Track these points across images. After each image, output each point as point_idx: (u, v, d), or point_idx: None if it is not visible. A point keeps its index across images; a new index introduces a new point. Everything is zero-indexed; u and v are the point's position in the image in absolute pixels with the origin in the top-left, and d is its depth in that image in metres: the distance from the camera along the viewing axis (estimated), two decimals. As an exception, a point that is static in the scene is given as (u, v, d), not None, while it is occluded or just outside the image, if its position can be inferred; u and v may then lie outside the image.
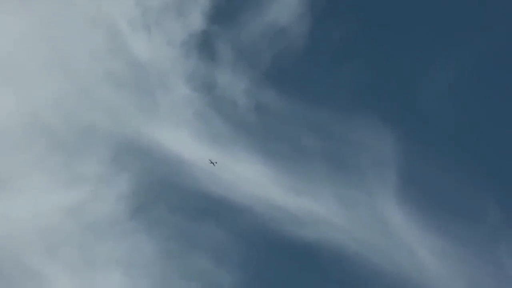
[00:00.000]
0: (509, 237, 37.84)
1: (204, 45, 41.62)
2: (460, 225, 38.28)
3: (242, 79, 41.14)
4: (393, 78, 41.93)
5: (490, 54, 41.55)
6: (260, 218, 38.57)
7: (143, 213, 38.63)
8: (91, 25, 41.37)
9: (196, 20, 42.08)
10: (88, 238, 37.52)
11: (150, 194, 39.06)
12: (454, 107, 41.02)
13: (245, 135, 40.38)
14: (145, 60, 41.03)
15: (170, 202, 38.97)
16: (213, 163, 38.29)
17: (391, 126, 40.54)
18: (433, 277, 37.34)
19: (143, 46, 41.25)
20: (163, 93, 40.81)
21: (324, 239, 38.19)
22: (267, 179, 39.29)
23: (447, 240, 37.96)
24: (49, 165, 38.32)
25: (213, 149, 39.82)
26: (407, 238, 38.02)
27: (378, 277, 37.55)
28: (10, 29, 39.94)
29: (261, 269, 38.17)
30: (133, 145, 39.65)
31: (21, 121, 38.60)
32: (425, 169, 39.67)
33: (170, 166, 39.40)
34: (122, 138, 39.67)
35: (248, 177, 39.29)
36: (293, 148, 40.19)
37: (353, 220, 38.64)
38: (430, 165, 39.74)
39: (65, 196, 37.82)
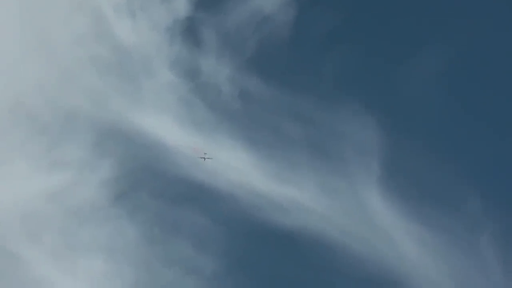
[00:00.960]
0: (489, 227, 38.19)
1: (189, 31, 41.56)
2: (441, 214, 38.54)
3: (226, 66, 41.15)
4: (378, 66, 42.06)
5: (475, 43, 41.73)
6: (242, 205, 38.65)
7: (126, 199, 38.64)
8: (76, 9, 41.18)
9: (181, 6, 42.00)
10: (70, 223, 37.52)
11: (133, 180, 39.06)
12: (439, 97, 41.20)
13: (229, 122, 40.42)
14: (129, 45, 40.95)
15: (153, 188, 39.00)
16: (205, 158, 38.49)
17: (375, 115, 40.66)
18: (413, 265, 37.62)
19: (128, 31, 41.15)
20: (147, 78, 40.77)
21: (306, 227, 38.36)
22: (250, 166, 39.38)
23: (428, 229, 38.21)
24: (31, 150, 38.25)
25: (197, 135, 39.87)
26: (388, 226, 38.26)
27: (360, 264, 37.80)
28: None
29: (243, 256, 38.33)
30: (116, 131, 39.59)
31: (3, 106, 38.48)
32: (407, 159, 39.85)
33: (153, 152, 39.41)
34: (105, 124, 39.60)
35: (231, 164, 39.38)
36: (277, 136, 40.26)
37: (335, 208, 38.80)
38: (413, 154, 39.92)
39: (47, 181, 37.76)
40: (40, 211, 37.31)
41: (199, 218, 38.78)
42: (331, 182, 39.37)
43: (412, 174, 39.53)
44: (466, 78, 41.54)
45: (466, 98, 41.25)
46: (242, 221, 38.87)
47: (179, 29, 41.43)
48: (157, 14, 41.63)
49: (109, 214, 38.14)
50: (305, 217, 38.54)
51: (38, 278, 36.03)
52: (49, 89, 39.48)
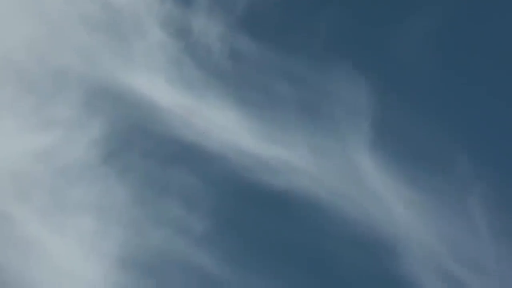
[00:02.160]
0: (478, 188, 38.14)
1: (180, -10, 41.24)
2: (431, 176, 38.32)
3: (217, 24, 40.71)
4: (370, 26, 41.57)
5: (467, 4, 41.47)
6: (232, 165, 38.45)
7: (115, 158, 38.38)
8: (65, -33, 40.87)
9: (172, -36, 41.63)
10: (59, 182, 37.33)
11: (123, 139, 38.78)
12: (430, 59, 40.75)
13: (219, 82, 40.07)
14: (119, 4, 40.45)
15: (143, 148, 38.76)
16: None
17: (367, 76, 40.24)
18: (403, 226, 37.59)
19: (118, -11, 40.84)
20: (138, 38, 40.29)
21: (296, 188, 38.21)
22: (240, 127, 39.19)
23: (417, 190, 38.08)
24: (20, 108, 38.00)
25: (187, 95, 39.64)
26: (378, 187, 38.14)
27: (350, 225, 37.65)
28: (-18, -31, 39.38)
29: (233, 216, 38.18)
30: (106, 90, 39.25)
31: (-9, 64, 38.30)
32: (398, 120, 39.60)
33: (143, 111, 39.11)
34: (95, 83, 39.24)
35: (221, 124, 39.18)
36: (267, 96, 40.00)
37: (326, 169, 38.64)
38: (404, 115, 39.65)
39: (36, 140, 37.53)
40: (29, 170, 37.07)
41: (189, 178, 38.55)
42: (322, 143, 39.14)
43: (403, 135, 39.28)
44: (457, 40, 41.19)
45: (458, 61, 40.95)
46: (233, 182, 38.64)
47: (170, -13, 41.13)
48: (148, -28, 41.32)
49: (98, 173, 37.89)
50: (295, 178, 38.30)
51: (26, 236, 35.88)
52: (38, 47, 39.08)
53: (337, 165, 39.31)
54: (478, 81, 40.90)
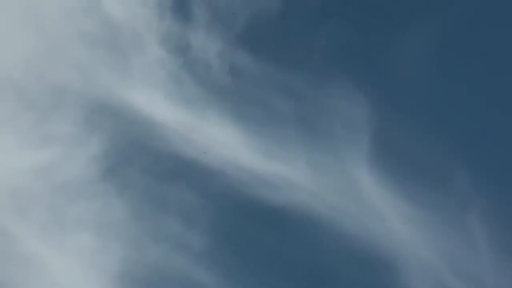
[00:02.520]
0: (478, 204, 38.14)
1: (178, 6, 41.26)
2: (429, 191, 38.48)
3: (216, 41, 40.91)
4: (369, 42, 41.80)
5: (467, 18, 41.50)
6: (231, 181, 38.56)
7: (114, 175, 38.50)
8: (65, -17, 41.03)
9: (171, -20, 41.78)
10: (58, 198, 37.41)
11: (122, 156, 38.92)
12: (429, 74, 40.99)
13: (218, 98, 40.23)
14: (118, 21, 40.67)
15: (142, 164, 38.88)
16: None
17: (365, 92, 40.48)
18: (402, 242, 37.60)
19: (117, 5, 40.85)
20: (137, 54, 40.52)
21: (295, 204, 38.29)
22: (239, 143, 39.25)
23: (417, 206, 38.15)
24: (19, 124, 38.08)
25: (186, 111, 39.72)
26: (377, 203, 38.19)
27: (348, 241, 37.78)
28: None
29: (231, 232, 38.28)
30: (105, 106, 39.40)
31: (-9, 81, 38.32)
32: (397, 135, 39.73)
33: (142, 127, 39.25)
34: (94, 99, 39.41)
35: (220, 140, 39.24)
36: (266, 112, 40.10)
37: (324, 185, 38.70)
38: (402, 131, 39.79)
39: (36, 156, 37.60)
40: (28, 186, 37.15)
41: (188, 195, 38.69)
42: (320, 159, 39.25)
43: (402, 151, 39.40)
44: (457, 55, 41.30)
45: (457, 76, 41.05)
46: (231, 198, 38.77)
47: (169, 4, 41.13)
48: (147, -11, 41.44)
49: (97, 189, 37.99)
50: (294, 194, 38.41)
51: (26, 252, 35.95)
52: (37, 64, 39.21)
53: (335, 180, 39.37)
54: (478, 97, 40.91)
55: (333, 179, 38.94)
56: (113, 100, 39.48)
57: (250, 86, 40.60)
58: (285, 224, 38.27)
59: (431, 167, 39.23)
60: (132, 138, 39.15)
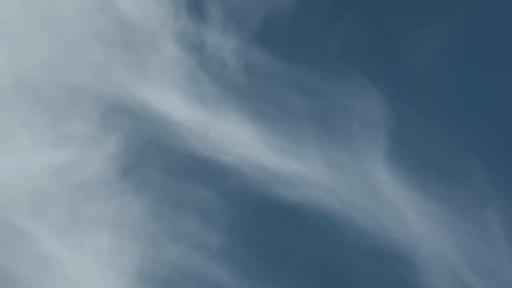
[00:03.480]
0: (495, 199, 38.03)
1: (194, 5, 41.19)
2: (447, 187, 38.31)
3: (231, 39, 40.84)
4: (385, 38, 41.59)
5: (482, 13, 41.35)
6: (248, 179, 38.49)
7: (131, 174, 38.48)
8: (80, -18, 41.06)
9: (186, -21, 41.76)
10: (75, 198, 37.43)
11: (139, 155, 38.91)
12: (445, 69, 40.79)
13: (234, 96, 40.16)
14: (134, 19, 40.66)
15: (159, 163, 38.87)
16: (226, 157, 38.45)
17: (381, 88, 40.30)
18: (419, 239, 37.49)
19: (132, 4, 40.83)
20: (152, 53, 40.46)
21: (311, 201, 38.20)
22: (255, 140, 39.21)
23: (434, 202, 37.99)
24: (36, 125, 38.12)
25: (202, 109, 39.71)
26: (394, 199, 38.08)
27: (365, 237, 37.66)
28: (-3, -13, 39.60)
29: (249, 230, 38.23)
30: (121, 105, 39.37)
31: (7, 81, 38.27)
32: (413, 131, 39.57)
33: (158, 126, 39.23)
34: (110, 98, 39.38)
35: (237, 138, 39.22)
36: (282, 109, 40.02)
37: (341, 181, 38.60)
38: (419, 127, 39.62)
39: (52, 156, 37.64)
40: (45, 186, 37.21)
41: (205, 193, 38.64)
42: (337, 156, 39.14)
43: (418, 147, 39.27)
44: (472, 50, 41.19)
45: (472, 71, 40.88)
46: (248, 195, 38.71)
47: (184, 3, 41.11)
48: (162, -13, 41.43)
49: (114, 189, 38.00)
50: (311, 191, 38.32)
51: (43, 253, 36.03)
52: (53, 63, 39.24)
53: (352, 177, 39.30)
54: (493, 92, 40.78)
55: (349, 175, 38.88)
56: (129, 99, 39.52)
57: (266, 83, 40.57)
58: (301, 221, 38.24)
59: (448, 163, 39.11)
60: (148, 137, 39.18)
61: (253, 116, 41.33)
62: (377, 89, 41.65)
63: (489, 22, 42.16)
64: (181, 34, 43.21)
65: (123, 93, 40.56)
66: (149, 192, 39.44)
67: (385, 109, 41.27)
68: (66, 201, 37.72)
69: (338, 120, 41.17)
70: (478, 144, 40.29)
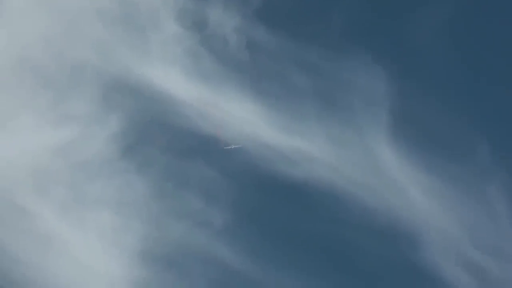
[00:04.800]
0: (498, 176, 37.98)
1: (195, -18, 41.02)
2: (450, 163, 38.33)
3: (233, 16, 40.66)
4: (386, 15, 41.47)
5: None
6: (251, 157, 38.49)
7: (134, 152, 38.47)
8: (80, -39, 40.78)
9: (187, -44, 41.47)
10: (78, 177, 37.41)
11: (141, 133, 38.85)
12: (447, 45, 40.67)
13: (236, 73, 40.05)
14: (135, -3, 40.49)
15: (161, 141, 38.81)
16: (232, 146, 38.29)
17: (384, 64, 40.24)
18: (423, 215, 37.53)
19: (133, -18, 40.65)
20: (154, 30, 40.31)
21: (315, 178, 38.19)
22: (258, 118, 39.10)
23: (437, 179, 38.00)
24: (38, 104, 38.02)
25: (204, 87, 39.55)
26: (398, 176, 38.05)
27: (368, 214, 37.74)
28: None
29: (252, 208, 38.26)
30: (123, 84, 39.27)
31: (8, 60, 38.17)
32: (416, 108, 39.48)
33: (160, 104, 39.13)
34: (112, 77, 39.27)
35: (239, 115, 39.12)
36: (284, 87, 39.90)
37: (344, 159, 38.56)
38: (421, 103, 39.54)
39: (55, 135, 37.58)
40: (48, 165, 37.18)
41: (208, 171, 38.64)
42: (340, 133, 39.10)
43: (421, 123, 39.20)
44: (475, 26, 41.01)
45: (476, 48, 40.74)
46: (252, 173, 38.72)
47: (185, -20, 40.90)
48: (163, -35, 41.15)
49: (117, 168, 37.99)
50: (314, 168, 38.31)
51: (46, 232, 36.06)
52: (54, 42, 39.12)
53: (355, 154, 39.24)
54: (497, 69, 40.61)
55: (352, 152, 38.81)
56: (131, 77, 39.38)
57: (268, 61, 40.40)
58: (305, 198, 38.20)
59: (451, 140, 39.04)
60: (150, 116, 39.08)
61: (255, 93, 41.23)
62: (379, 66, 41.53)
63: (489, 0, 42.00)
64: (182, 11, 43.02)
65: (125, 71, 40.41)
66: (152, 171, 39.44)
67: (387, 86, 41.16)
68: (69, 180, 37.70)
69: (341, 97, 41.07)
70: (481, 121, 40.20)
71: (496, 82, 40.08)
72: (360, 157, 38.68)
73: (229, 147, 38.48)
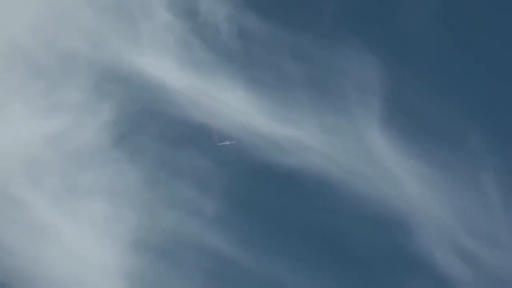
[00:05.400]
0: (490, 163, 38.04)
1: (186, -30, 40.88)
2: (442, 151, 38.37)
3: (224, 4, 40.54)
4: (379, 3, 41.44)
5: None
6: (244, 146, 38.46)
7: (126, 142, 38.40)
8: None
9: None
10: (70, 166, 37.34)
11: (133, 122, 38.78)
12: (440, 33, 40.64)
13: (228, 62, 39.96)
14: (126, -14, 40.32)
15: (153, 130, 38.74)
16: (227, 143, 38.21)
17: (376, 52, 40.20)
18: (415, 202, 37.59)
19: (124, -29, 40.49)
20: (145, 19, 40.17)
21: (308, 167, 38.20)
22: (250, 106, 39.04)
23: (430, 166, 38.03)
24: (29, 93, 37.90)
25: (196, 76, 39.46)
26: (390, 164, 38.07)
27: (361, 202, 37.79)
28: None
29: (245, 197, 38.25)
30: (115, 73, 39.15)
31: (0, 50, 38.07)
32: (409, 96, 39.49)
33: (152, 93, 39.04)
34: (103, 65, 39.15)
35: (232, 104, 39.04)
36: (277, 75, 39.84)
37: (337, 147, 38.56)
38: (414, 91, 39.55)
39: (46, 125, 37.48)
40: (40, 155, 37.11)
41: (200, 160, 38.60)
42: (332, 121, 39.08)
43: (413, 111, 39.21)
44: (467, 14, 40.98)
45: (468, 35, 40.71)
46: (244, 162, 38.70)
47: (176, -32, 40.76)
48: (154, -47, 40.99)
49: (109, 157, 37.93)
50: (307, 157, 38.31)
51: (39, 221, 36.03)
52: (45, 31, 38.97)
53: (348, 143, 39.20)
54: (489, 55, 40.59)
55: (345, 141, 38.80)
56: (122, 66, 39.26)
57: (260, 49, 40.31)
58: (298, 187, 38.20)
59: (443, 127, 39.05)
60: (142, 104, 39.00)
61: (247, 82, 41.13)
62: (372, 53, 41.44)
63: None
64: (174, 0, 42.89)
65: (116, 60, 40.24)
66: (144, 160, 39.36)
67: (380, 73, 41.07)
68: (61, 169, 37.61)
69: (333, 85, 40.96)
70: (474, 108, 40.20)
71: (488, 70, 40.10)
72: (353, 145, 38.68)
73: (223, 144, 38.44)
